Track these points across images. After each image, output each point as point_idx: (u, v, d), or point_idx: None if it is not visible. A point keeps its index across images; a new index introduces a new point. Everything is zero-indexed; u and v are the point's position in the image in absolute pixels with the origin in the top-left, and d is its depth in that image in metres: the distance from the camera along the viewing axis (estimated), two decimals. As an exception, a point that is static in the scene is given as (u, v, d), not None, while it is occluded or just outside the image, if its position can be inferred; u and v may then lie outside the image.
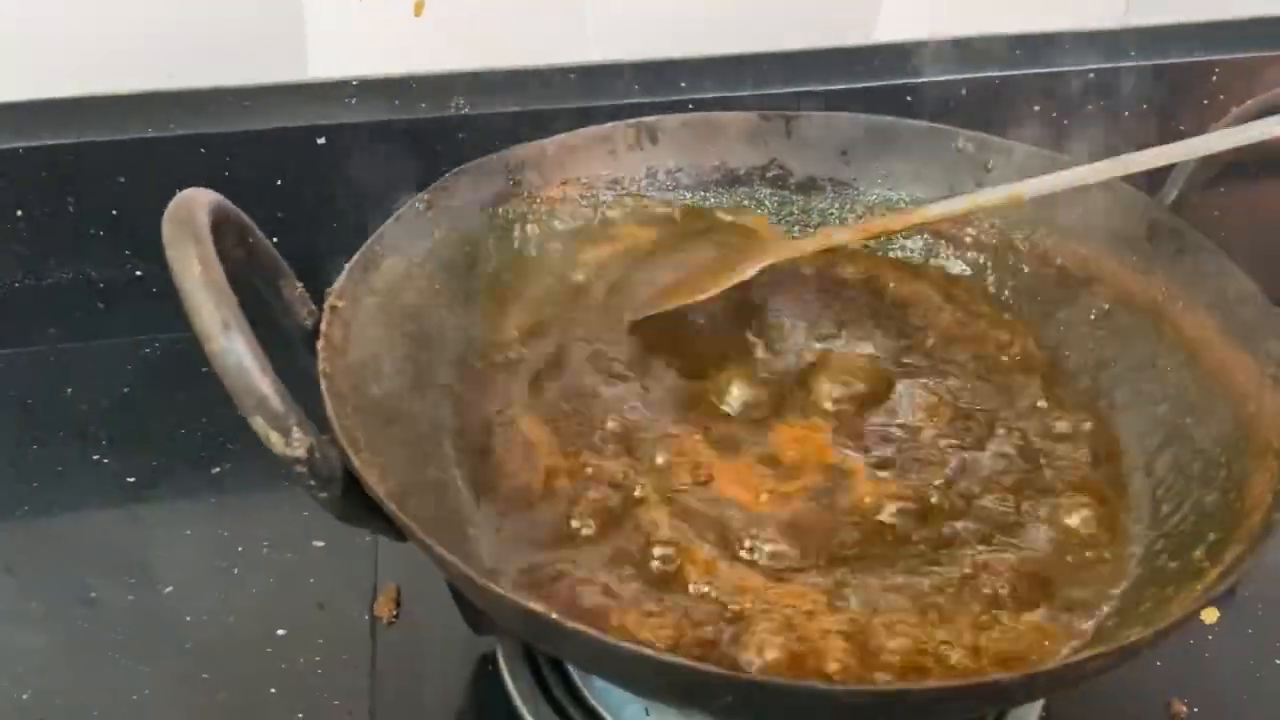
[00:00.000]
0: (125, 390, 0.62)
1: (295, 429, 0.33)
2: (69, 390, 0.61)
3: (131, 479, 0.56)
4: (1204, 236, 0.47)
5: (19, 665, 0.47)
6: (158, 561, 0.52)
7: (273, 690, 0.47)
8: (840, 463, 0.44)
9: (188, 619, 0.49)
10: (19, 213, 0.60)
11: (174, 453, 0.58)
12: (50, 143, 0.60)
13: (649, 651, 0.30)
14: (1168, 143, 0.46)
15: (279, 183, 0.62)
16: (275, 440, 0.33)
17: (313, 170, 0.62)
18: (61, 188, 0.60)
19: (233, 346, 0.32)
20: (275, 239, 0.63)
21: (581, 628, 0.31)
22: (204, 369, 0.61)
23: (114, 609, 0.50)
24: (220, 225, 0.36)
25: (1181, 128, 0.67)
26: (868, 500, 0.42)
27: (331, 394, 0.37)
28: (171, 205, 0.34)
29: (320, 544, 0.53)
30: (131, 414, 0.60)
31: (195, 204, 0.34)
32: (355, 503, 0.36)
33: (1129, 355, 0.48)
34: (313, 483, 0.34)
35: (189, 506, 0.55)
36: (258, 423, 0.33)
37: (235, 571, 0.51)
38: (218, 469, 0.57)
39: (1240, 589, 0.49)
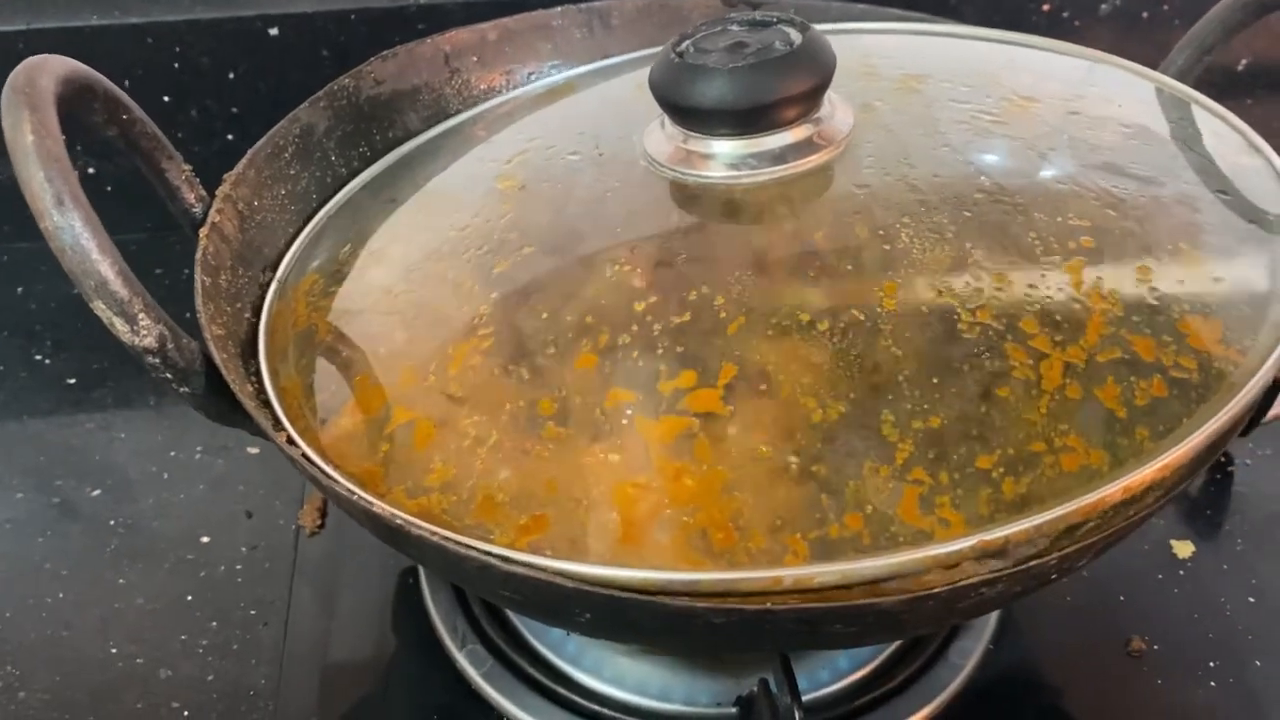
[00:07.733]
0: (74, 290, 0.60)
1: (141, 315, 0.30)
2: (19, 289, 0.60)
3: (72, 380, 0.55)
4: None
5: (-61, 564, 0.46)
6: (89, 465, 0.51)
7: (189, 597, 0.45)
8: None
9: (112, 523, 0.48)
10: (-37, 104, 0.58)
11: (117, 355, 0.55)
12: (-6, 30, 0.57)
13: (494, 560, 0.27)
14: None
15: (231, 75, 0.59)
16: (121, 328, 0.31)
17: (266, 62, 0.59)
18: (6, 77, 0.58)
19: (68, 223, 0.30)
20: (230, 135, 0.62)
21: (425, 532, 0.28)
22: (157, 270, 0.58)
23: (39, 511, 0.49)
24: (81, 97, 0.33)
25: None
26: None
27: (202, 282, 0.34)
28: (14, 72, 0.31)
29: (254, 450, 0.51)
30: (79, 315, 0.58)
31: (38, 70, 0.31)
32: (223, 401, 0.33)
33: None
34: (168, 375, 0.32)
35: (127, 410, 0.53)
36: (99, 308, 0.30)
37: (165, 476, 0.50)
38: (158, 372, 0.55)
39: (1223, 523, 0.45)
